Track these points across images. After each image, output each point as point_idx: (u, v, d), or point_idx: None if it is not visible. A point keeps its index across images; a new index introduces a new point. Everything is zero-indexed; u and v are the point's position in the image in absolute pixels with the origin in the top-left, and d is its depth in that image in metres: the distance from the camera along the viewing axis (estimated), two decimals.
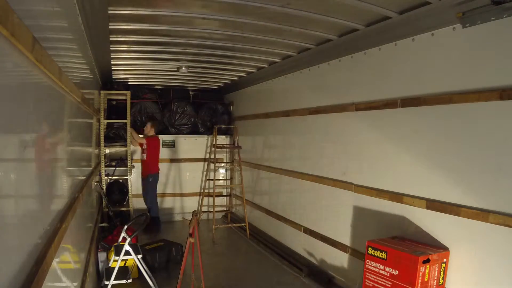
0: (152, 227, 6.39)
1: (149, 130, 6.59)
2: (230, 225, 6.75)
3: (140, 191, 6.86)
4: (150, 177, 6.60)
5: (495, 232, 2.46)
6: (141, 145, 6.63)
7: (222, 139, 7.76)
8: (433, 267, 2.72)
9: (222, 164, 7.77)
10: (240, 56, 4.85)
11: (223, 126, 7.30)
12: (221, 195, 7.81)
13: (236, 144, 6.97)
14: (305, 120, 4.79)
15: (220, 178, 7.87)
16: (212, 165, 7.23)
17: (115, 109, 6.61)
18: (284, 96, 5.44)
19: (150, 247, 4.83)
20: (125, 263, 4.05)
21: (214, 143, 7.00)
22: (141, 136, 6.62)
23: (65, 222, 1.94)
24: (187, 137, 7.38)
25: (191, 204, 7.44)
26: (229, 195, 7.91)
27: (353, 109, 3.85)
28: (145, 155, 6.59)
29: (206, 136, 7.53)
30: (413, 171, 3.16)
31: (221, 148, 7.27)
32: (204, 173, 7.54)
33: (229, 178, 7.88)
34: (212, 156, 7.19)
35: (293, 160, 5.24)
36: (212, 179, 6.99)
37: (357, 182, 3.85)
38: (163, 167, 7.15)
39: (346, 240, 3.99)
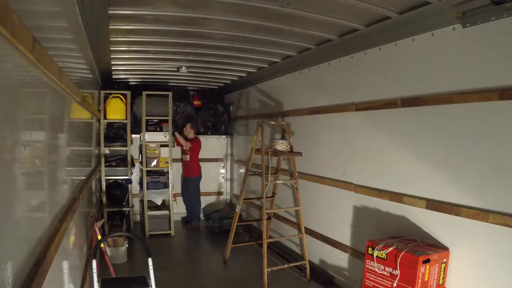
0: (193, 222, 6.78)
1: (189, 131, 6.65)
2: (286, 266, 4.60)
3: (138, 192, 6.87)
4: (198, 178, 6.78)
5: (495, 232, 2.46)
6: (181, 145, 6.61)
7: (222, 140, 7.76)
8: (433, 267, 2.72)
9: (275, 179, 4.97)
10: (240, 56, 4.84)
11: (272, 122, 5.11)
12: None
13: (292, 149, 4.72)
14: (305, 120, 4.79)
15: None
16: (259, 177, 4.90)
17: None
18: (284, 96, 5.45)
19: None
20: None
21: (262, 147, 4.46)
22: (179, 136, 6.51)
23: (65, 222, 1.94)
24: None
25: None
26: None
27: (353, 109, 3.85)
28: (188, 156, 6.67)
29: (205, 136, 7.52)
30: (413, 171, 3.16)
31: (282, 155, 4.72)
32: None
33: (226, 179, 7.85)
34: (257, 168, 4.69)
35: None
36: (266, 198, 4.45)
37: (357, 182, 3.85)
38: None
39: (346, 240, 3.99)
